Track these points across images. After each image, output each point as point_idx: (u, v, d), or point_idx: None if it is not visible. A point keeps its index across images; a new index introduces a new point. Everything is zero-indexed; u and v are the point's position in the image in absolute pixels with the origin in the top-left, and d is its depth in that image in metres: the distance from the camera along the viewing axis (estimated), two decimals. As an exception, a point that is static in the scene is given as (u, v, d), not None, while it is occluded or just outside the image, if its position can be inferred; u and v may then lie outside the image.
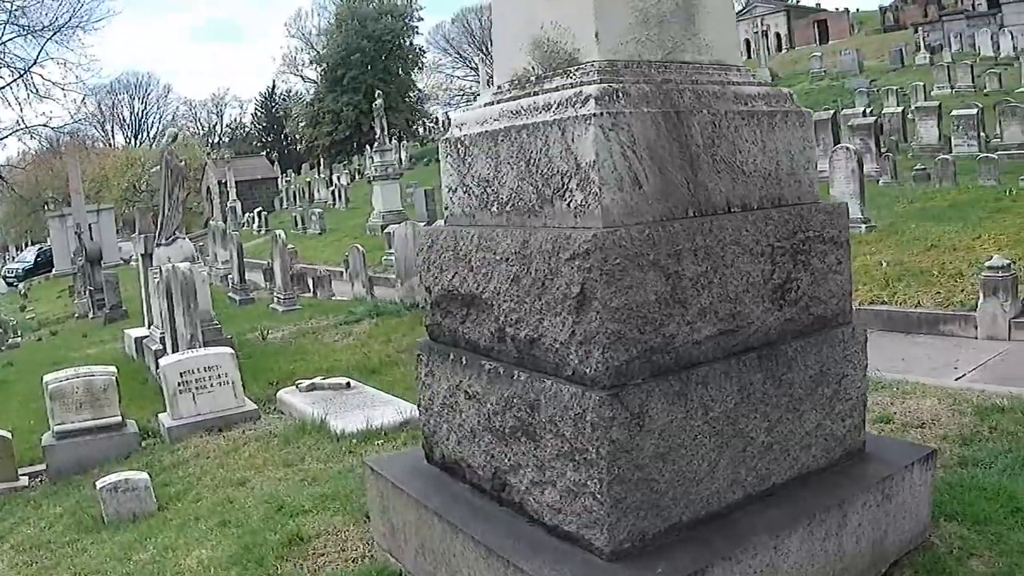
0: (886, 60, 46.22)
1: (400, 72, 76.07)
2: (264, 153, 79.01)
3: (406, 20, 77.31)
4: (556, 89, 3.90)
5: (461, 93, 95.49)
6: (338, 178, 54.22)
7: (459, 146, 4.44)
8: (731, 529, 3.73)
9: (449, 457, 4.50)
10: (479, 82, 73.51)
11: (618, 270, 3.43)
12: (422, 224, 19.85)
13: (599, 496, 3.44)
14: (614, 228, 3.49)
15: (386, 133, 35.86)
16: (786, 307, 4.14)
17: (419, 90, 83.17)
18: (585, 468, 3.48)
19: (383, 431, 8.06)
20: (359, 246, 21.56)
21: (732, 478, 3.86)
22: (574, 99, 3.69)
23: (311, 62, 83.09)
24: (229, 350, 10.04)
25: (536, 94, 4.03)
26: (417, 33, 79.88)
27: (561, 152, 3.69)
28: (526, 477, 3.85)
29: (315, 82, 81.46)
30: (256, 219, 45.88)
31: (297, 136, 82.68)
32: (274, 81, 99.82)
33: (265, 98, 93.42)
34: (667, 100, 3.83)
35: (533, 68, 4.21)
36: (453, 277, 4.34)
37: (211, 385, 9.43)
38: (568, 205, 3.69)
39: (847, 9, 73.69)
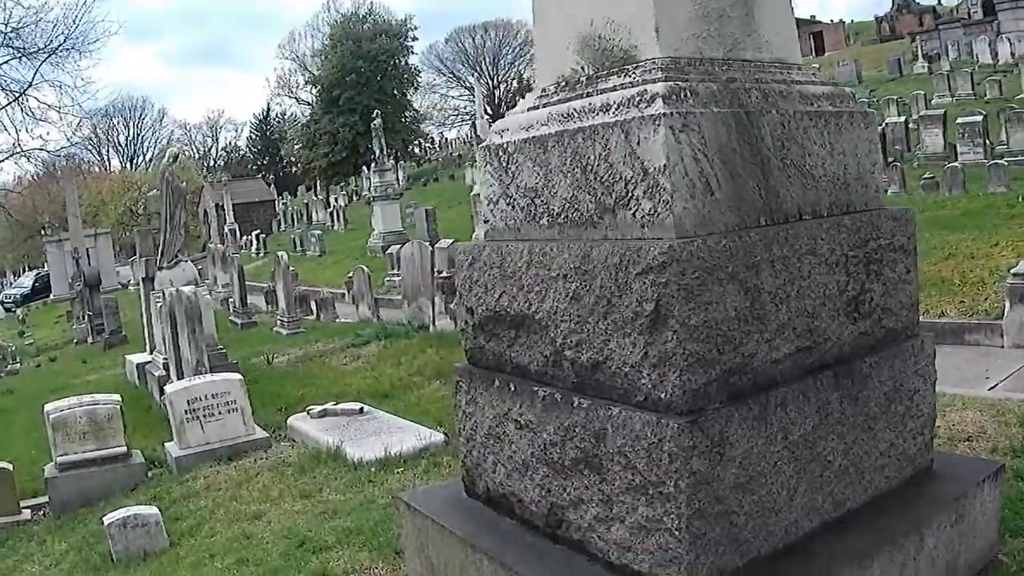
0: (884, 70, 46.11)
1: (396, 92, 75.96)
2: (260, 175, 78.95)
3: (401, 40, 77.32)
4: (614, 89, 3.60)
5: (456, 113, 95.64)
6: (336, 199, 54.13)
7: (501, 154, 4.14)
8: (812, 561, 3.42)
9: (495, 491, 4.17)
10: (474, 102, 73.70)
11: (696, 284, 3.13)
12: (448, 242, 19.64)
13: (677, 532, 3.12)
14: (689, 239, 3.18)
15: (385, 153, 35.66)
16: (860, 320, 3.85)
17: (415, 110, 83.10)
18: (661, 502, 3.16)
19: (402, 458, 7.74)
20: (364, 267, 21.28)
21: (809, 505, 3.56)
22: (638, 99, 3.39)
23: (306, 83, 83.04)
24: (237, 376, 9.73)
25: (589, 95, 3.73)
26: (412, 53, 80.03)
27: (624, 157, 3.39)
28: (589, 513, 3.52)
29: (310, 104, 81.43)
30: (254, 242, 45.63)
31: (293, 158, 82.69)
32: (268, 103, 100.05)
33: (260, 120, 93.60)
34: (735, 100, 3.54)
35: (583, 68, 3.91)
36: (500, 297, 4.03)
37: (219, 412, 9.11)
38: (634, 215, 3.38)
39: (842, 20, 73.76)
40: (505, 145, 4.11)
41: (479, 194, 4.41)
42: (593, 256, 3.43)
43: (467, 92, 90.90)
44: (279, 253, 21.64)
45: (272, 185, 73.33)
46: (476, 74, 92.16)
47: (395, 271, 23.79)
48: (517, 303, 3.91)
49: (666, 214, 3.24)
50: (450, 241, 23.80)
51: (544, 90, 4.13)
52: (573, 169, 3.67)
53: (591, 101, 3.66)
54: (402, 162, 62.11)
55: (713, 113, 3.38)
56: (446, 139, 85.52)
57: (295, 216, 54.55)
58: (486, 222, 4.34)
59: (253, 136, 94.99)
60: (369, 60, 72.45)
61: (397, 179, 42.68)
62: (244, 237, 48.14)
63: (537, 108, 4.06)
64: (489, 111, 77.51)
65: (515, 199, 4.07)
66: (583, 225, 3.66)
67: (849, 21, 73.15)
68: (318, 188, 64.75)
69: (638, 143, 3.32)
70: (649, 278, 3.17)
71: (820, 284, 3.63)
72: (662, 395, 3.18)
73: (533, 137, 3.91)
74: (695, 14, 3.65)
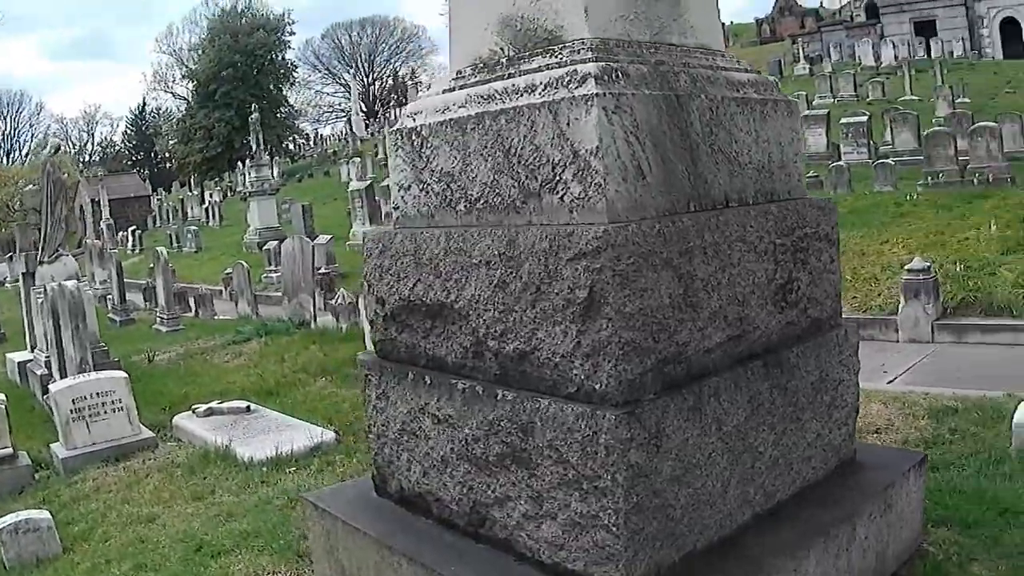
0: (764, 71, 46.98)
1: (272, 88, 74.86)
2: (136, 171, 76.98)
3: (279, 34, 76.21)
4: (539, 70, 3.45)
5: (331, 110, 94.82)
6: (211, 195, 53.02)
7: (414, 138, 3.95)
8: (746, 554, 3.35)
9: (410, 490, 3.99)
10: (349, 99, 73.17)
11: (632, 271, 3.01)
12: (326, 238, 19.43)
13: (614, 528, 2.99)
14: (623, 224, 3.06)
15: (262, 148, 35.14)
16: (787, 309, 3.79)
17: (290, 106, 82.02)
18: (596, 497, 3.02)
19: (294, 458, 7.51)
20: (243, 263, 20.80)
21: (742, 498, 3.49)
22: (567, 79, 3.25)
23: (183, 78, 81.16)
24: (123, 374, 9.29)
25: (512, 76, 3.57)
26: (289, 48, 78.97)
27: (552, 139, 3.25)
28: (516, 510, 3.37)
29: (186, 99, 79.66)
30: (130, 238, 44.37)
31: (168, 153, 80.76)
32: (144, 98, 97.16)
33: (136, 115, 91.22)
34: (665, 83, 3.43)
35: (503, 50, 3.76)
36: (415, 286, 3.84)
37: (105, 412, 8.68)
38: (562, 199, 3.24)
39: (722, 22, 74.99)
40: (418, 128, 3.93)
41: (391, 182, 4.20)
42: (519, 242, 3.28)
43: (342, 89, 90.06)
44: (158, 249, 20.94)
45: (147, 181, 71.54)
46: (352, 71, 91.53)
47: (273, 267, 23.58)
48: (434, 292, 3.74)
49: (598, 198, 3.11)
50: (328, 237, 23.52)
51: (460, 72, 3.96)
52: (494, 152, 3.51)
53: (514, 82, 3.50)
54: (277, 158, 61.05)
55: (645, 95, 3.26)
56: (320, 136, 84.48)
57: (171, 212, 53.28)
58: (396, 208, 4.15)
59: (129, 131, 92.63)
60: (246, 54, 71.19)
61: (272, 175, 42.07)
62: (120, 233, 46.80)
63: (453, 90, 3.89)
64: (364, 108, 77.02)
65: (429, 184, 3.90)
66: (505, 210, 3.50)
67: (729, 23, 74.41)
68: (193, 184, 63.19)
69: (568, 124, 3.18)
70: (582, 264, 3.03)
71: (750, 272, 3.56)
72: (596, 386, 3.05)
73: (450, 120, 3.74)
74: (621, -7, 3.54)
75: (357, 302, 14.94)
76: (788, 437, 3.72)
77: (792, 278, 3.80)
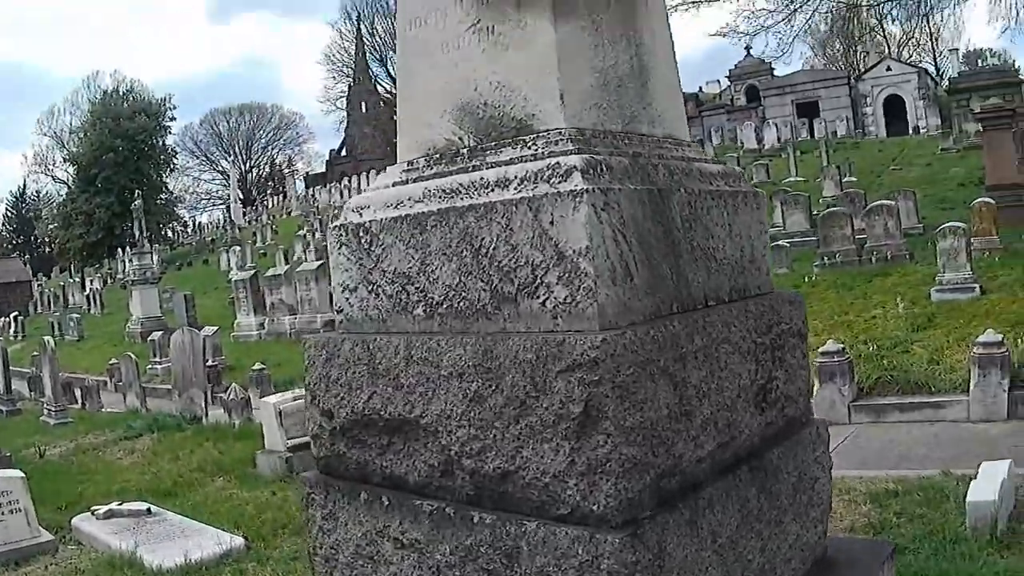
0: None
1: (152, 173, 74.00)
2: (16, 255, 74.83)
3: (159, 119, 75.51)
4: (511, 162, 3.21)
5: (208, 197, 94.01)
6: (91, 282, 51.79)
7: (361, 234, 3.66)
8: None
9: (369, 621, 3.63)
10: (227, 186, 72.68)
11: (631, 381, 2.76)
12: (212, 329, 19.03)
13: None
14: (618, 330, 2.82)
15: (144, 235, 34.61)
16: (767, 410, 3.60)
17: (169, 192, 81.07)
18: (598, 632, 2.73)
19: (203, 566, 7.15)
20: (131, 355, 20.19)
21: (733, 614, 3.23)
22: (548, 173, 3.02)
23: (64, 161, 79.57)
24: (19, 473, 8.73)
25: (478, 169, 3.33)
26: (169, 133, 78.29)
27: (532, 238, 3.00)
28: (501, 647, 3.05)
29: (66, 183, 78.10)
30: (12, 324, 42.89)
31: (48, 238, 78.75)
32: (25, 181, 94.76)
33: (16, 198, 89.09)
34: (646, 176, 3.24)
35: (463, 139, 3.52)
36: (371, 398, 3.51)
37: (2, 513, 8.12)
38: (543, 304, 2.99)
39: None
40: (366, 225, 3.64)
41: (333, 283, 3.90)
42: (498, 351, 3.00)
43: (220, 176, 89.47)
44: (45, 339, 20.13)
45: (28, 265, 69.42)
46: (231, 157, 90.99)
47: (159, 359, 23.39)
48: (394, 406, 3.41)
49: (588, 303, 2.86)
50: (215, 329, 23.03)
51: (412, 163, 3.70)
52: (461, 252, 3.25)
53: (483, 175, 3.26)
54: (157, 245, 59.98)
55: (630, 190, 3.06)
56: (198, 223, 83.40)
57: (51, 298, 51.76)
58: (340, 312, 3.84)
59: (9, 214, 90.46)
60: (127, 139, 70.49)
61: (153, 263, 41.39)
62: (2, 319, 45.26)
63: (406, 183, 3.62)
64: (241, 196, 76.54)
65: (380, 286, 3.60)
66: (473, 316, 3.23)
67: None
68: (73, 270, 61.54)
69: (551, 223, 2.94)
70: (576, 376, 2.77)
71: (736, 374, 3.36)
72: (594, 507, 2.77)
73: (406, 216, 3.46)
74: (596, 82, 3.36)
75: (249, 397, 14.55)
76: (772, 542, 3.50)
77: (772, 377, 3.62)
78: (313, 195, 68.62)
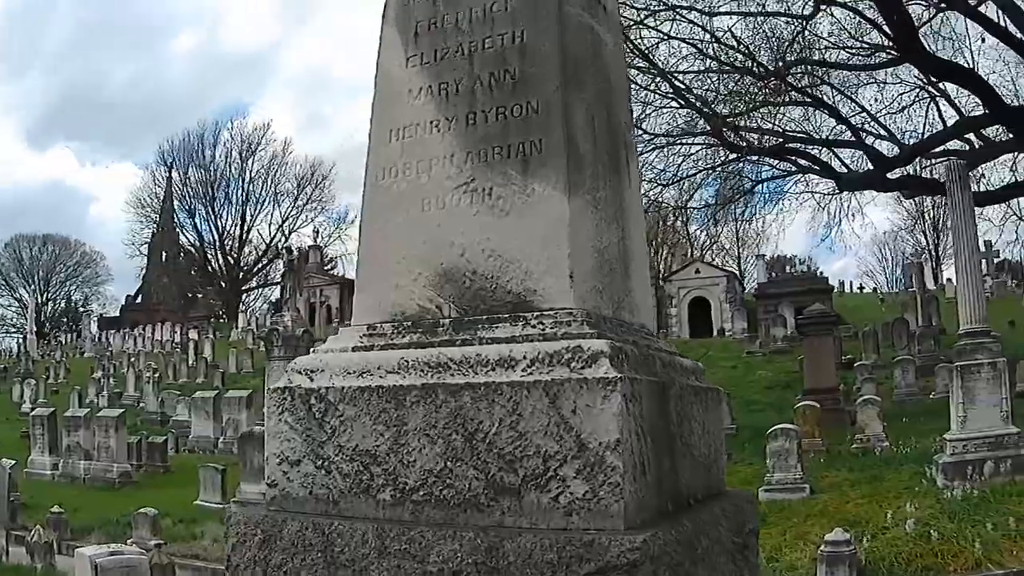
0: None
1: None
2: None
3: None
4: (514, 340, 2.98)
5: (2, 323, 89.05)
6: None
7: (313, 402, 3.27)
8: None
9: None
10: (23, 314, 68.99)
11: (666, 588, 2.50)
12: (9, 462, 17.61)
13: None
14: (647, 531, 2.59)
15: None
16: (738, 614, 3.38)
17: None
18: None
19: None
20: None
21: None
22: (567, 356, 2.80)
23: None
24: None
25: (468, 343, 3.07)
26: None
27: (547, 427, 2.75)
28: None
29: None
30: None
31: None
32: None
33: None
34: (651, 367, 3.08)
35: (441, 308, 3.26)
36: (327, 594, 3.09)
37: None
38: (556, 499, 2.72)
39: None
40: (320, 392, 3.28)
41: (268, 452, 3.50)
42: (507, 550, 2.69)
43: (16, 303, 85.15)
44: None
45: None
46: (31, 287, 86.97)
47: None
48: (360, 604, 3.01)
49: (613, 499, 2.63)
50: (12, 462, 21.26)
51: (375, 328, 3.39)
52: (449, 435, 2.94)
53: (480, 352, 2.99)
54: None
55: (648, 381, 2.88)
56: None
57: None
58: (274, 485, 3.39)
59: None
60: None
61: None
62: None
63: (370, 349, 3.31)
64: (36, 327, 72.96)
65: (333, 462, 3.22)
66: (460, 507, 2.91)
67: None
68: None
69: (573, 411, 2.71)
70: (608, 581, 2.49)
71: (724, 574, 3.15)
72: None
73: (377, 387, 3.13)
74: (595, 263, 3.21)
75: (53, 542, 13.50)
76: None
77: (744, 579, 3.42)
78: (107, 339, 65.72)
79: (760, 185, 27.53)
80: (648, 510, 2.78)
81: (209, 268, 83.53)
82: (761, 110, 23.98)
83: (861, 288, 68.23)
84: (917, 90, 23.63)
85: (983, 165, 23.18)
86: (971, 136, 22.84)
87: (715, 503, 3.37)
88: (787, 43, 22.17)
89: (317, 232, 75.53)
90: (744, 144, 24.06)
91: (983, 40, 21.66)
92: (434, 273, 3.30)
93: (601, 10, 3.64)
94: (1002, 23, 19.94)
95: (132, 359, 45.17)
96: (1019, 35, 19.78)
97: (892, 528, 10.32)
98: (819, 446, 16.33)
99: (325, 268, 69.29)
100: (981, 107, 21.36)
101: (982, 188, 23.38)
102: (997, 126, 22.16)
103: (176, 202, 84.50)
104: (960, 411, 11.94)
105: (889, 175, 23.10)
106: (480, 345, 3.03)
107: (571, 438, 2.71)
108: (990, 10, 20.34)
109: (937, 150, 22.83)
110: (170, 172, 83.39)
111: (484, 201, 3.23)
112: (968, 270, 12.27)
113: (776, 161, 25.65)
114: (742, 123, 23.79)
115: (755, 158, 25.10)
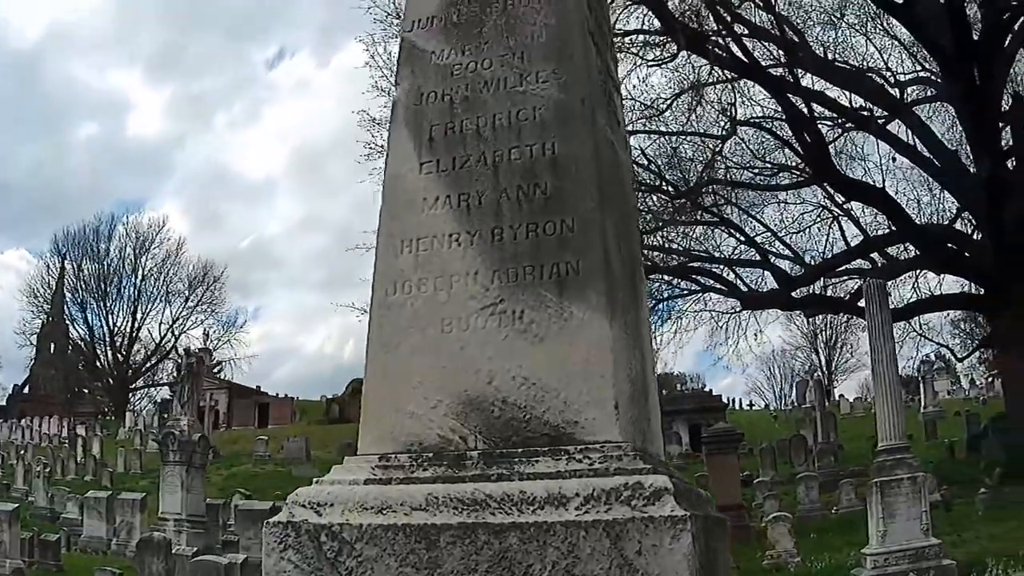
0: (333, 452, 44.52)
1: None
2: None
3: None
4: (559, 475, 2.81)
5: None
6: None
7: (324, 539, 3.00)
8: None
9: None
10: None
11: None
12: None
13: None
14: None
15: None
16: None
17: None
18: None
19: None
20: None
21: None
22: (627, 493, 2.66)
23: None
24: None
25: (505, 479, 2.88)
26: None
27: (609, 569, 2.58)
28: None
29: None
30: None
31: None
32: None
33: None
34: (696, 502, 2.94)
35: (466, 439, 3.06)
36: None
37: None
38: (622, 649, 2.55)
39: (291, 396, 74.14)
40: (334, 529, 3.01)
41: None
42: None
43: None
44: None
45: None
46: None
47: None
48: None
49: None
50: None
51: (388, 458, 3.15)
52: (490, 577, 2.75)
53: (523, 489, 2.81)
54: None
55: (702, 517, 2.74)
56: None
57: None
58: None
59: None
60: None
61: None
62: None
63: (388, 483, 3.07)
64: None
65: (349, 607, 2.99)
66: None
67: (297, 398, 73.68)
68: None
69: (639, 552, 2.56)
70: None
71: None
72: None
73: (403, 526, 2.90)
74: (629, 390, 3.08)
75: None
76: None
77: None
78: (-7, 427, 62.70)
79: (660, 304, 27.87)
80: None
81: (98, 363, 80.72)
82: (666, 229, 24.42)
83: (751, 405, 69.15)
84: (820, 210, 24.39)
85: (888, 283, 23.91)
86: (874, 255, 23.53)
87: None
88: (701, 163, 22.73)
89: (207, 335, 73.84)
90: (648, 264, 24.39)
91: (893, 160, 22.60)
92: (457, 401, 3.10)
93: (616, 124, 3.58)
94: (911, 142, 20.83)
95: (21, 452, 43.05)
96: (926, 153, 20.68)
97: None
98: (729, 564, 16.17)
99: (213, 371, 67.48)
100: (886, 225, 22.11)
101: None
102: (900, 244, 22.91)
103: (68, 294, 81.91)
104: (880, 525, 12.00)
105: (793, 294, 23.62)
106: (521, 481, 2.85)
107: (638, 580, 2.56)
108: (900, 130, 21.27)
109: (840, 268, 23.49)
110: (63, 263, 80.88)
111: (514, 324, 3.06)
112: (887, 386, 12.46)
113: (677, 280, 25.99)
114: (647, 242, 24.16)
115: (660, 277, 25.42)
